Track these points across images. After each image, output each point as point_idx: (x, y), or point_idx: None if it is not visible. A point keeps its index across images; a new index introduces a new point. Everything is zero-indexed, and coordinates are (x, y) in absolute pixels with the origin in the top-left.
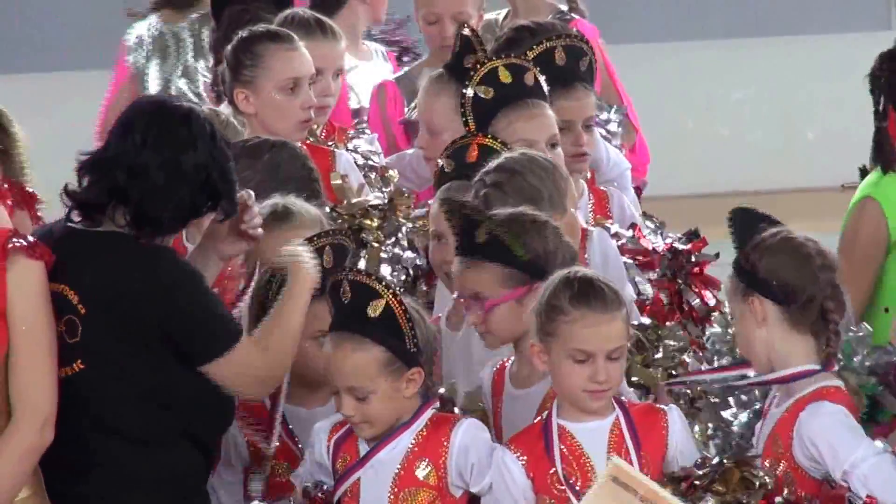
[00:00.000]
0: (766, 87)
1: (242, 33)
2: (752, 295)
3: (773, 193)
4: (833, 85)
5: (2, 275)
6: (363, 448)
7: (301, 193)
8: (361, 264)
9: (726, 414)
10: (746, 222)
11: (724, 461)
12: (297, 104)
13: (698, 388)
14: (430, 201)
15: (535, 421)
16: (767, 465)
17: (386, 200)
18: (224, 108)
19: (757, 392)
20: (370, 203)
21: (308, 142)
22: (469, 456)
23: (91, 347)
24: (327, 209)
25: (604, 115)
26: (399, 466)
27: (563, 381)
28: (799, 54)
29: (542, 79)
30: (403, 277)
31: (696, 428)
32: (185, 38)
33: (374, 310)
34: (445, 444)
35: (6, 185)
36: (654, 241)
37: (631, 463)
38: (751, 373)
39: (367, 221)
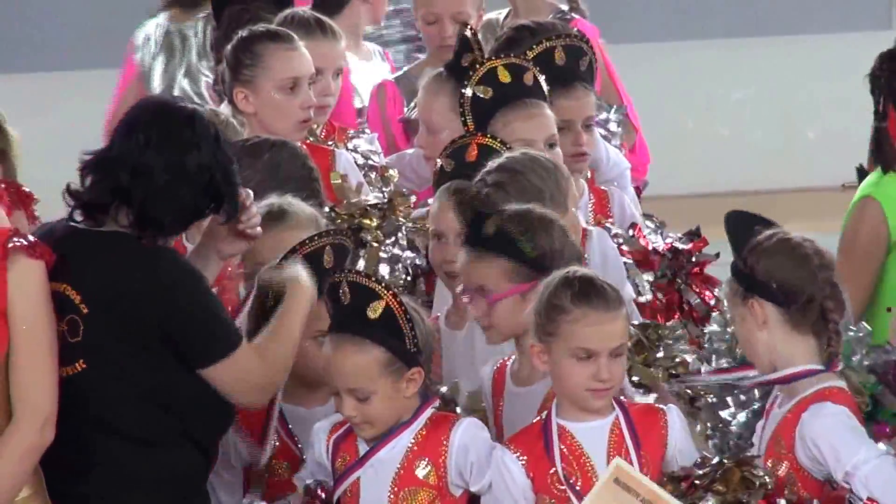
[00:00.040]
0: (767, 87)
1: (242, 33)
2: (752, 298)
3: (774, 193)
4: (833, 85)
5: (2, 274)
6: (363, 447)
7: (301, 193)
8: (361, 264)
9: (724, 414)
10: (742, 225)
11: (725, 461)
12: (296, 104)
13: (699, 389)
14: (429, 201)
15: (535, 421)
16: (770, 465)
17: (385, 200)
18: (223, 108)
19: (756, 392)
20: (369, 203)
21: (308, 141)
22: (469, 455)
23: (92, 347)
24: (326, 209)
25: (604, 115)
26: (399, 466)
27: (565, 381)
28: (799, 54)
29: (541, 79)
30: (403, 277)
31: (698, 428)
32: (190, 38)
33: (374, 311)
34: (445, 443)
35: (3, 185)
36: (655, 241)
37: (631, 462)
38: (752, 374)
39: (367, 221)
